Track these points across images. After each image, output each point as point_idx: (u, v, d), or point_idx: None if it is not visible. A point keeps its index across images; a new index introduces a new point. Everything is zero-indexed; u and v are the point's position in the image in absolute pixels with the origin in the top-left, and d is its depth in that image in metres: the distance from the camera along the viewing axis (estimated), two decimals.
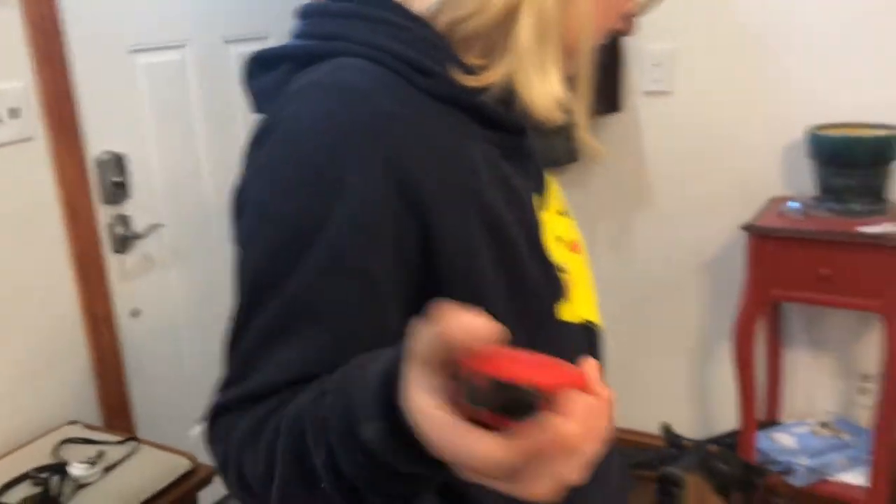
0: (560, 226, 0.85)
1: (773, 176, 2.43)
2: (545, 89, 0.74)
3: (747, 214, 2.26)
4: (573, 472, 0.46)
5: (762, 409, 2.58)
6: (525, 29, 0.72)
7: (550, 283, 0.79)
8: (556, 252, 0.82)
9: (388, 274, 0.68)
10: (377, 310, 0.68)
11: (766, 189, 2.42)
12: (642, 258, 2.71)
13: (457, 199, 0.70)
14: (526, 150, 0.83)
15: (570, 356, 0.76)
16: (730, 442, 2.44)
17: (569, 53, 0.76)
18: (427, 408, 0.45)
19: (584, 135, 0.80)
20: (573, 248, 0.87)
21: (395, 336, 0.59)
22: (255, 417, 0.67)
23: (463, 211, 0.70)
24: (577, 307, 0.83)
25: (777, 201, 2.32)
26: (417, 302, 0.68)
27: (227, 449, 0.69)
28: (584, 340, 0.84)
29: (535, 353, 0.52)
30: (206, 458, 2.19)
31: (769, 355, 2.54)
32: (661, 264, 2.68)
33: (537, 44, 0.73)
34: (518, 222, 0.76)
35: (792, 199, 2.27)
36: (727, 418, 2.59)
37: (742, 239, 2.23)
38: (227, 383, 0.70)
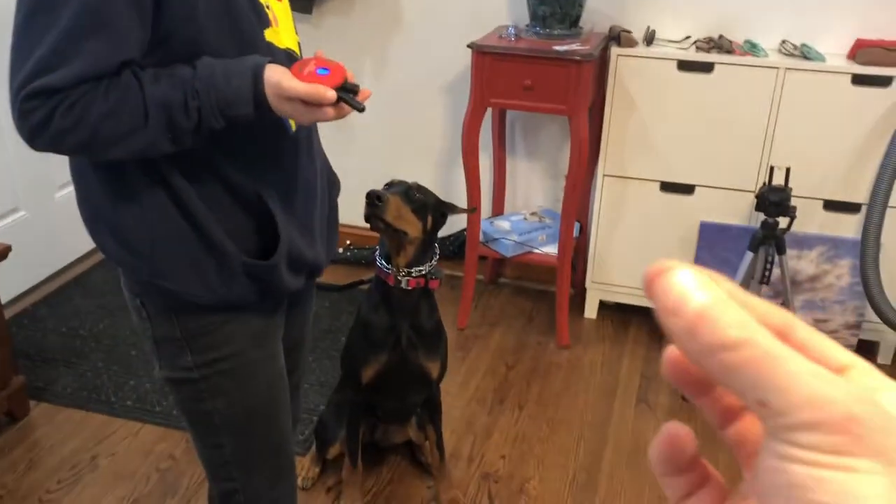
0: None
1: (500, 6, 2.92)
2: None
3: (479, 38, 2.74)
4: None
5: (490, 207, 3.18)
6: None
7: (258, 15, 1.18)
8: None
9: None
10: (136, 21, 1.05)
11: (494, 17, 2.91)
12: (397, 78, 3.15)
13: None
14: None
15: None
16: (464, 231, 3.02)
17: None
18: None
19: None
20: None
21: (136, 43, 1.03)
22: (92, 91, 1.03)
23: None
24: (281, 37, 1.24)
25: (501, 28, 2.81)
26: (154, 16, 1.05)
27: (69, 116, 1.02)
28: (287, 62, 1.25)
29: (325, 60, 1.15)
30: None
31: (496, 163, 3.12)
32: (412, 83, 3.14)
33: None
34: None
35: (511, 25, 2.77)
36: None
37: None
38: (38, 72, 1.02)
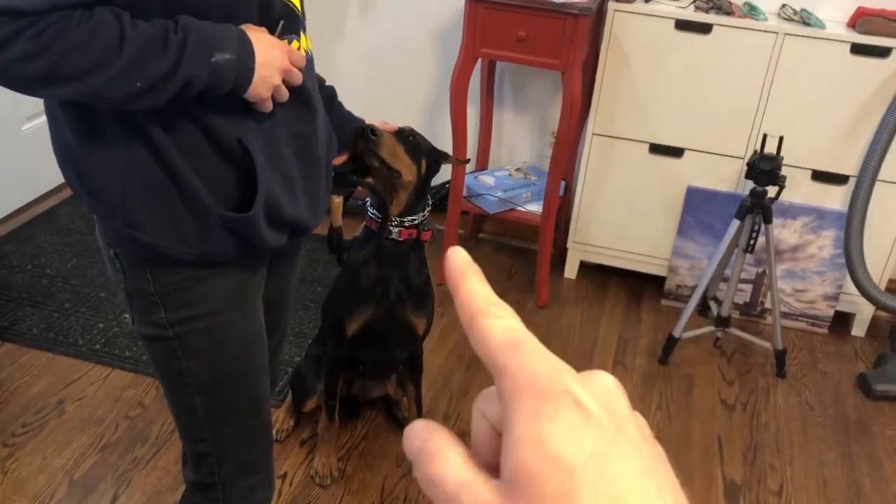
0: None
1: None
2: None
3: None
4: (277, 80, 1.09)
5: (475, 160, 3.11)
6: None
7: None
8: None
9: None
10: None
11: None
12: (385, 23, 3.05)
13: None
14: None
15: (273, 21, 1.11)
16: (447, 185, 2.96)
17: None
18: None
19: None
20: None
21: None
22: (64, 20, 0.95)
23: None
24: None
25: None
26: None
27: (35, 42, 0.94)
28: (285, 11, 1.17)
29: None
30: None
31: (483, 115, 3.04)
32: (401, 29, 3.04)
33: None
34: None
35: None
36: (447, 167, 3.09)
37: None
38: None
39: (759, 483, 2.19)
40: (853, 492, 2.19)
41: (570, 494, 0.26)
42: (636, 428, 0.30)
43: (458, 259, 0.33)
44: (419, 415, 2.14)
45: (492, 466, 0.30)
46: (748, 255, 2.54)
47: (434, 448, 0.30)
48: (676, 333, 2.59)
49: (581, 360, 2.60)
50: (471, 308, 0.31)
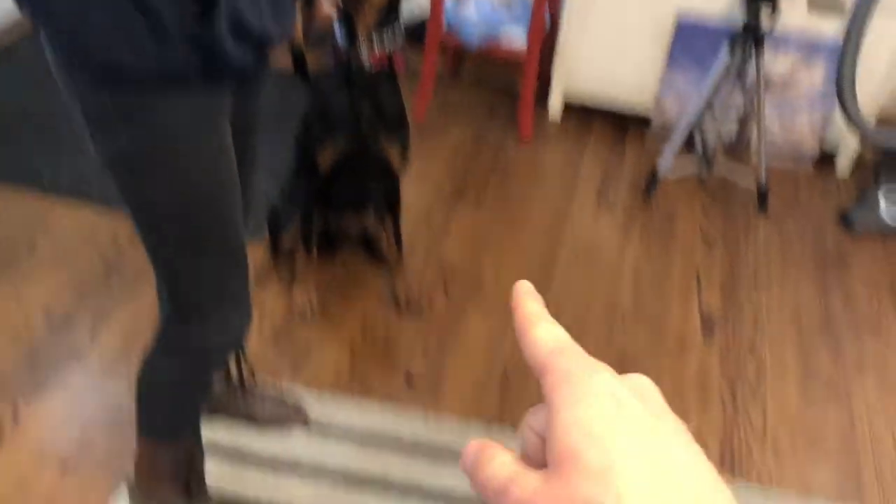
0: None
1: None
2: None
3: None
4: None
5: None
6: None
7: None
8: None
9: None
10: None
11: None
12: None
13: None
14: None
15: None
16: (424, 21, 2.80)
17: None
18: None
19: None
20: None
21: None
22: None
23: None
24: None
25: None
26: None
27: None
28: None
29: None
30: None
31: None
32: None
33: None
34: None
35: None
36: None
37: None
38: None
39: (735, 314, 2.22)
40: (825, 318, 2.22)
41: (610, 470, 0.29)
42: (673, 419, 0.32)
43: (524, 287, 0.39)
44: (399, 252, 2.12)
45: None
46: (737, 91, 2.46)
47: (485, 456, 0.34)
48: (661, 169, 2.55)
49: (564, 194, 2.56)
50: (525, 321, 0.36)
